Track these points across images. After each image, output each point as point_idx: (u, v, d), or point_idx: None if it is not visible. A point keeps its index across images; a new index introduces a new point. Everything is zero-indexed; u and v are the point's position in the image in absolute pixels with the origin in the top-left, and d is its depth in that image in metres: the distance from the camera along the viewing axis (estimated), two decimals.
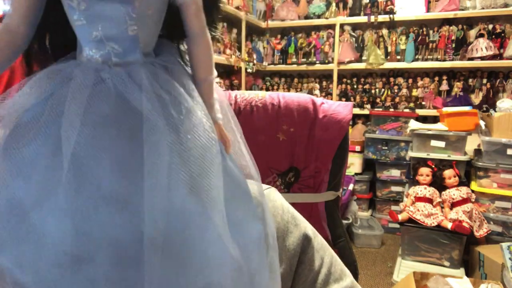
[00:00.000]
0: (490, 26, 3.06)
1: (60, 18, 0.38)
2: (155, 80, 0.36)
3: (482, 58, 3.00)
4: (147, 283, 0.31)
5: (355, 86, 3.53)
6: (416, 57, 3.25)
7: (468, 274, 2.24)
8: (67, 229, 0.31)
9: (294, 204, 0.58)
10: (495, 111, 2.45)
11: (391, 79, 3.42)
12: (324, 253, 0.56)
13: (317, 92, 3.58)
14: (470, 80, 3.19)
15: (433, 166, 2.46)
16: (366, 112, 3.35)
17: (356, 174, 3.12)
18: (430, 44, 3.21)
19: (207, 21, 0.40)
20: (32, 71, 0.41)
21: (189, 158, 0.34)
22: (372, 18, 3.27)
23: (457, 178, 2.38)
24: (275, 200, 0.54)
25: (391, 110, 3.25)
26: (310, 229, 0.56)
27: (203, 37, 0.39)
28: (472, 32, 3.13)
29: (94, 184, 0.32)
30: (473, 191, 2.38)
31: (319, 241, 0.56)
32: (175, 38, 0.43)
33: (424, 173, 2.43)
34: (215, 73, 0.41)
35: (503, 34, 3.01)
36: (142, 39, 0.37)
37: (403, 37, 3.29)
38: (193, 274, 0.33)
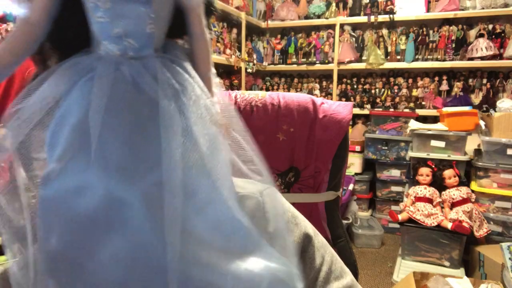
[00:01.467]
0: (490, 26, 3.06)
1: (74, 14, 0.42)
2: (167, 71, 0.42)
3: (482, 58, 3.00)
4: (167, 219, 0.37)
5: (355, 86, 3.53)
6: (416, 57, 3.25)
7: (468, 274, 2.24)
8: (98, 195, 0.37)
9: (294, 204, 0.58)
10: (495, 111, 2.45)
11: (391, 79, 3.41)
12: (325, 251, 0.56)
13: (317, 92, 3.58)
14: (470, 80, 3.19)
15: (433, 166, 2.46)
16: (366, 112, 3.35)
17: (356, 174, 3.12)
18: (430, 44, 3.21)
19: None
20: (45, 63, 0.46)
21: (199, 140, 0.40)
22: (372, 18, 3.27)
23: (457, 178, 2.38)
24: (276, 199, 0.54)
25: (391, 110, 3.25)
26: (310, 228, 0.56)
27: (203, 36, 0.46)
28: (472, 32, 3.13)
29: (111, 159, 0.37)
30: (473, 191, 2.38)
31: (319, 240, 0.56)
32: (175, 36, 0.49)
33: (424, 173, 2.43)
34: (213, 70, 0.48)
35: (503, 34, 3.01)
36: (156, 36, 0.42)
37: (403, 37, 3.29)
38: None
